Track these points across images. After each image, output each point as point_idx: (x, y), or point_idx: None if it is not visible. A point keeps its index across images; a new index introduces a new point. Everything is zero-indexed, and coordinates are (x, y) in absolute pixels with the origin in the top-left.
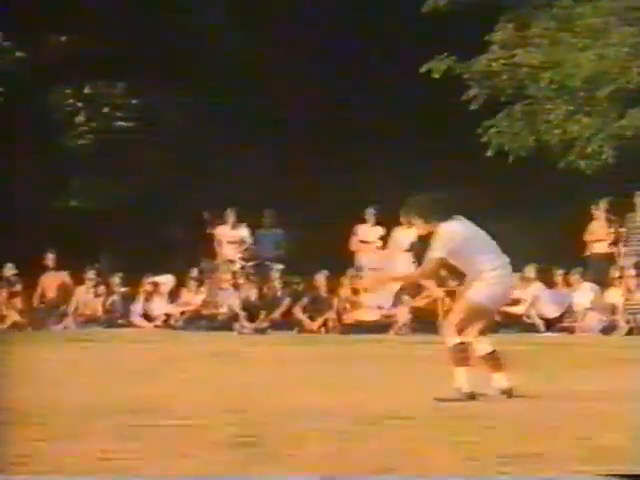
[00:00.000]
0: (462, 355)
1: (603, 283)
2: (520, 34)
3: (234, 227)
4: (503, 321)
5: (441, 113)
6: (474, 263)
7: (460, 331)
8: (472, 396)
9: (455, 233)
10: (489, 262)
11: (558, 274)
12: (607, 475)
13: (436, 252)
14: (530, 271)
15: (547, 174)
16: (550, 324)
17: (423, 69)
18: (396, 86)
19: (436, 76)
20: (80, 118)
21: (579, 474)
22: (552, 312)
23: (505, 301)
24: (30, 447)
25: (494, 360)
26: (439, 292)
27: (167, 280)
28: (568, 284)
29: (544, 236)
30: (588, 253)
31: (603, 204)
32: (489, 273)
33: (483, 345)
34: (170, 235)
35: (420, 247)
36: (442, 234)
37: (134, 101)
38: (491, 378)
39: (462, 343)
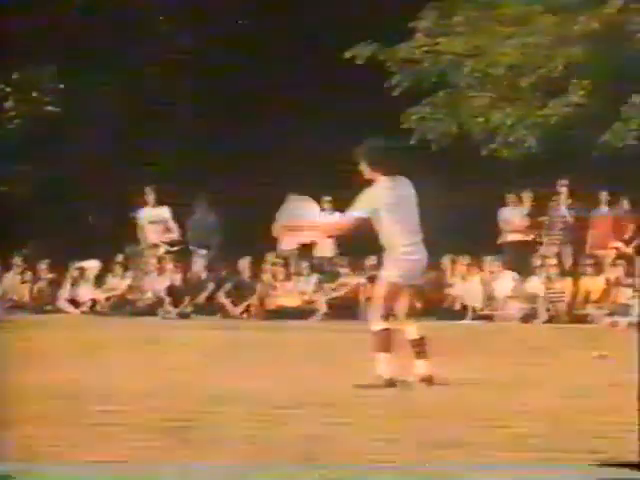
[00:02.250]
0: (385, 341)
1: (521, 271)
2: (444, 22)
3: (154, 207)
4: (422, 308)
5: (364, 100)
6: (391, 235)
7: (385, 316)
8: (392, 383)
9: (388, 193)
10: (403, 237)
11: (481, 262)
12: (600, 465)
13: (357, 210)
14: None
15: (469, 162)
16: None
17: (347, 55)
18: (318, 72)
19: (360, 62)
20: (9, 103)
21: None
22: (472, 300)
23: (417, 278)
24: None
25: (420, 347)
26: (356, 280)
27: (93, 265)
28: (489, 272)
29: (465, 224)
30: (504, 241)
31: (523, 192)
32: (400, 249)
33: (412, 330)
34: (96, 220)
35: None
36: (374, 190)
37: (62, 86)
38: (413, 365)
39: (386, 329)
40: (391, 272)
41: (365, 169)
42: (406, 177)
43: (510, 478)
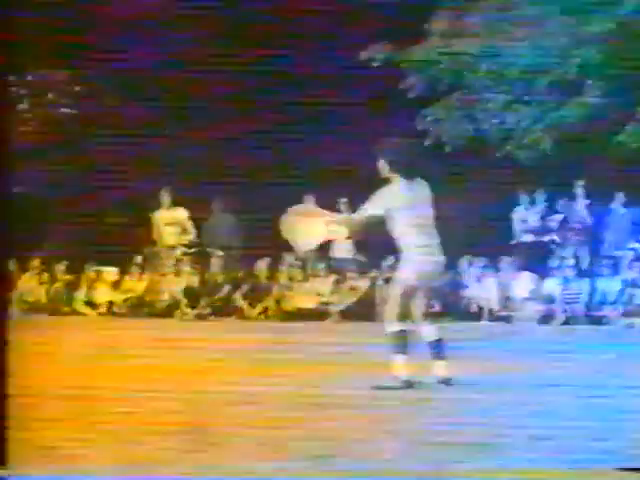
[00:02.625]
0: (401, 342)
1: (538, 273)
2: (458, 23)
3: (170, 209)
4: (440, 309)
5: (380, 101)
6: (406, 236)
7: (400, 317)
8: (409, 384)
9: (404, 194)
10: (418, 239)
11: (497, 263)
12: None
13: (371, 208)
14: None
15: (485, 164)
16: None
17: (363, 56)
18: (334, 74)
19: (374, 64)
20: (24, 105)
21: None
22: (488, 301)
23: (433, 280)
24: None
25: (438, 348)
26: (369, 282)
27: (110, 270)
28: (505, 273)
29: (481, 225)
30: (520, 242)
31: (537, 193)
32: (414, 250)
33: (430, 331)
34: (114, 222)
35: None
36: (390, 190)
37: (77, 88)
38: (432, 366)
39: (402, 330)
40: (405, 274)
41: (383, 167)
42: (424, 179)
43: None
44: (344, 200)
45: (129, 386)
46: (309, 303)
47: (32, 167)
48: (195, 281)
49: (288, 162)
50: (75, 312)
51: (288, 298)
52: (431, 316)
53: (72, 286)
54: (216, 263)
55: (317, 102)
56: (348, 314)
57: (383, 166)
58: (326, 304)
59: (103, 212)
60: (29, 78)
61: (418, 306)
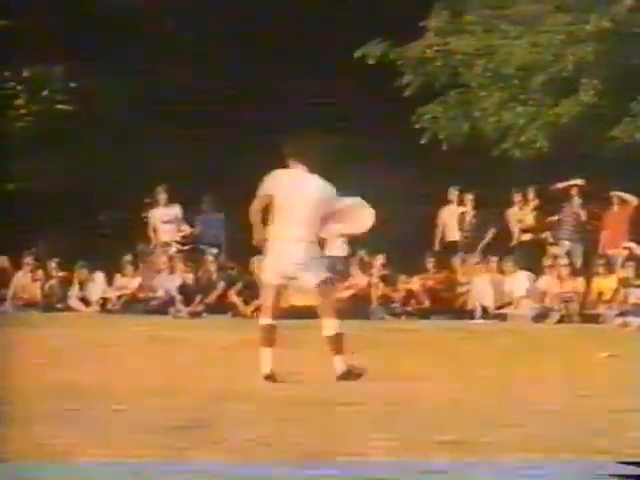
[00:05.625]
0: (269, 336)
1: (532, 271)
2: (455, 21)
3: (166, 206)
4: (435, 307)
5: (375, 99)
6: (272, 224)
7: (268, 311)
8: (271, 377)
9: (278, 181)
10: (277, 229)
11: (492, 261)
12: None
13: (261, 190)
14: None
15: (480, 162)
16: (483, 311)
17: (358, 54)
18: (330, 71)
19: (371, 62)
20: (19, 101)
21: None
22: (483, 299)
23: (287, 274)
24: None
25: (336, 343)
26: (364, 279)
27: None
28: (501, 271)
29: (475, 223)
30: (516, 241)
31: (531, 191)
32: (270, 243)
33: (328, 327)
34: (106, 219)
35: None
36: (275, 173)
37: (73, 84)
38: (332, 360)
39: (270, 325)
40: (264, 272)
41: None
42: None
43: (515, 476)
44: None
45: (122, 383)
46: (304, 300)
47: (26, 163)
48: (189, 278)
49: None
50: (69, 309)
51: (283, 296)
52: (332, 312)
53: (66, 283)
54: (210, 260)
55: (311, 99)
56: (342, 312)
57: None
58: None
59: (98, 208)
60: (26, 74)
61: (304, 301)
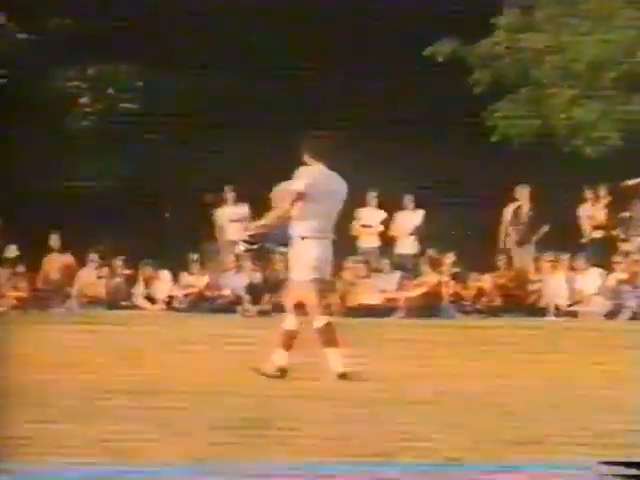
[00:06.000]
0: (332, 336)
1: (604, 268)
2: (525, 17)
3: (234, 205)
4: (506, 305)
5: (446, 97)
6: (298, 223)
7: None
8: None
9: (317, 177)
10: (308, 225)
11: (563, 259)
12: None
13: (296, 184)
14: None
15: (552, 159)
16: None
17: (427, 52)
18: (400, 69)
19: (440, 59)
20: (84, 100)
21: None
22: (556, 297)
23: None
24: (31, 430)
25: (291, 339)
26: (434, 277)
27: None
28: (572, 268)
29: (548, 221)
30: (588, 238)
31: (602, 188)
32: (299, 242)
33: (291, 322)
34: (173, 217)
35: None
36: (307, 170)
37: (138, 83)
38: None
39: (328, 324)
40: (299, 274)
41: (306, 159)
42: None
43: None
44: (373, 195)
45: (190, 381)
46: (373, 299)
47: (90, 162)
48: (257, 277)
49: (352, 157)
50: (134, 306)
51: (352, 294)
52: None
53: (131, 281)
54: (279, 259)
55: (380, 97)
56: (412, 310)
57: (305, 156)
58: (390, 300)
59: (163, 207)
60: (90, 73)
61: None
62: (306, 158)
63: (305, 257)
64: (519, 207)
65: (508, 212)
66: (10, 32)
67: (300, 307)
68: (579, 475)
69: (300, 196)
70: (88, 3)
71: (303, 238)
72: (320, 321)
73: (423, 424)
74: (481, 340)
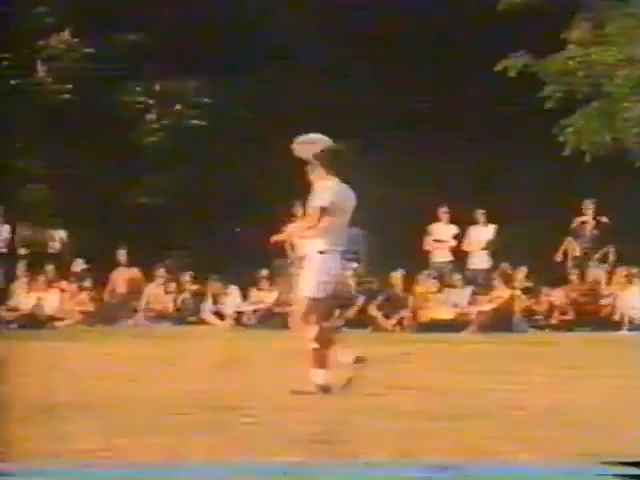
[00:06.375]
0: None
1: None
2: (596, 32)
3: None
4: (578, 319)
5: (517, 112)
6: (317, 237)
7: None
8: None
9: (338, 193)
10: (323, 242)
11: (636, 273)
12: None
13: (321, 201)
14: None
15: (623, 173)
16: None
17: (499, 67)
18: (472, 84)
19: (512, 74)
20: (151, 115)
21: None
22: (630, 310)
23: (337, 288)
24: (107, 441)
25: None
26: (507, 291)
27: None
28: None
29: (622, 235)
30: None
31: None
32: (317, 256)
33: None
34: (242, 233)
35: (496, 245)
36: (333, 186)
37: (206, 99)
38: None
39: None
40: (308, 287)
41: (318, 172)
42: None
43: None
44: (481, 211)
45: (258, 396)
46: (446, 314)
47: (157, 177)
48: None
49: (425, 171)
50: (202, 322)
51: (424, 309)
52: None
53: (199, 296)
54: (349, 275)
55: (452, 112)
56: (485, 325)
57: (316, 168)
58: (463, 315)
59: (231, 223)
60: (157, 88)
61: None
62: (321, 172)
63: (320, 272)
64: (585, 221)
65: (574, 226)
66: (76, 47)
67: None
68: (579, 475)
69: (324, 212)
70: (154, 19)
71: (321, 252)
72: (314, 344)
73: (487, 438)
74: (553, 354)
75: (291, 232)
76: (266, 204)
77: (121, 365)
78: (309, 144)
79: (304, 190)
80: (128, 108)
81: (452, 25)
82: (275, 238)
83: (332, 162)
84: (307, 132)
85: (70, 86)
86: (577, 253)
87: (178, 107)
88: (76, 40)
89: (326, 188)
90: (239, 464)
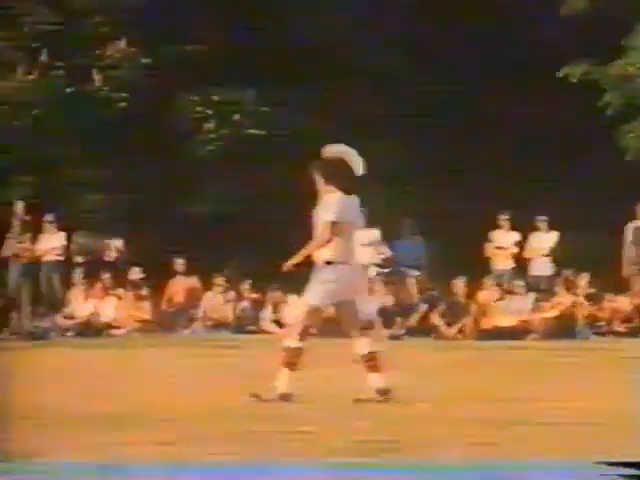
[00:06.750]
0: (294, 359)
1: None
2: None
3: (365, 229)
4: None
5: (579, 118)
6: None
7: (303, 334)
8: (286, 397)
9: (345, 205)
10: (332, 250)
11: None
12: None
13: (330, 215)
14: None
15: None
16: None
17: (560, 73)
18: (534, 91)
19: (573, 80)
20: (209, 125)
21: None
22: None
23: (348, 296)
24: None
25: (372, 361)
26: (569, 298)
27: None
28: None
29: None
30: None
31: None
32: (324, 266)
33: (362, 345)
34: (300, 242)
35: (559, 252)
36: (338, 198)
37: (265, 108)
38: (368, 378)
39: (298, 348)
40: (313, 295)
41: (320, 184)
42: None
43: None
44: (543, 218)
45: (317, 405)
46: (508, 321)
47: (217, 186)
48: (389, 301)
49: (484, 177)
50: (261, 331)
51: (486, 316)
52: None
53: (259, 304)
54: (410, 283)
55: (510, 117)
56: (548, 332)
57: (318, 181)
58: (525, 322)
59: (291, 231)
60: (215, 98)
61: (349, 320)
62: (321, 183)
63: (325, 282)
64: (638, 228)
65: (628, 231)
66: (133, 57)
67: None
68: (579, 475)
69: (334, 226)
70: (212, 29)
71: (329, 263)
72: (292, 342)
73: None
74: (615, 362)
75: (305, 252)
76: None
77: (179, 373)
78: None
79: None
80: (186, 118)
81: (514, 32)
82: (289, 263)
83: (331, 173)
84: (366, 140)
85: (126, 95)
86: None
87: (236, 117)
88: (133, 49)
89: (330, 201)
90: (307, 465)
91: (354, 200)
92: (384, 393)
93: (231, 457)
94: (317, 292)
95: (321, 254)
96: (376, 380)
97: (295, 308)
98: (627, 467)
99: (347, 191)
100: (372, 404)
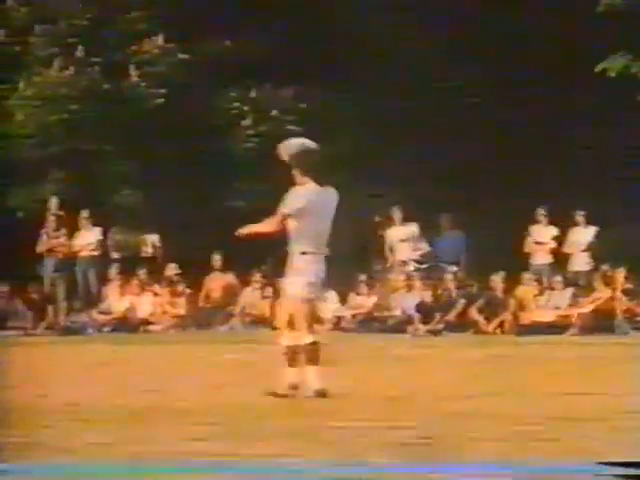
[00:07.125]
0: (316, 354)
1: None
2: None
3: (402, 224)
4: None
5: (617, 113)
6: (297, 239)
7: (310, 327)
8: (294, 388)
9: (309, 197)
10: (306, 245)
11: None
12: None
13: (285, 208)
14: None
15: None
16: None
17: (599, 68)
18: (572, 86)
19: (612, 75)
20: (246, 122)
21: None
22: None
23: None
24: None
25: (311, 352)
26: (607, 292)
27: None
28: None
29: None
30: None
31: None
32: (300, 257)
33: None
34: (338, 238)
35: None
36: (298, 191)
37: (303, 105)
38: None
39: (315, 342)
40: (296, 288)
41: (297, 175)
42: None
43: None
44: (581, 213)
45: (360, 400)
46: (546, 316)
47: (253, 183)
48: (428, 296)
49: (524, 172)
50: None
51: (525, 311)
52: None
53: None
54: (449, 278)
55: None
56: (586, 327)
57: (295, 172)
58: (564, 317)
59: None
60: (253, 95)
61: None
62: (297, 175)
63: (304, 273)
64: None
65: None
66: (171, 53)
67: (292, 322)
68: (579, 475)
69: (286, 218)
70: (250, 25)
71: (303, 253)
72: (307, 339)
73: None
74: None
75: (253, 229)
76: (365, 209)
77: (216, 370)
78: (288, 147)
79: (400, 195)
80: (223, 114)
81: (552, 27)
82: (240, 231)
83: (305, 164)
84: (401, 138)
85: (164, 91)
86: None
87: (274, 113)
88: (171, 45)
89: (297, 193)
90: (338, 464)
91: (328, 191)
92: (294, 388)
93: (266, 456)
94: (300, 285)
95: (294, 246)
96: (296, 374)
97: (286, 307)
98: (628, 466)
99: (321, 183)
100: (417, 402)
